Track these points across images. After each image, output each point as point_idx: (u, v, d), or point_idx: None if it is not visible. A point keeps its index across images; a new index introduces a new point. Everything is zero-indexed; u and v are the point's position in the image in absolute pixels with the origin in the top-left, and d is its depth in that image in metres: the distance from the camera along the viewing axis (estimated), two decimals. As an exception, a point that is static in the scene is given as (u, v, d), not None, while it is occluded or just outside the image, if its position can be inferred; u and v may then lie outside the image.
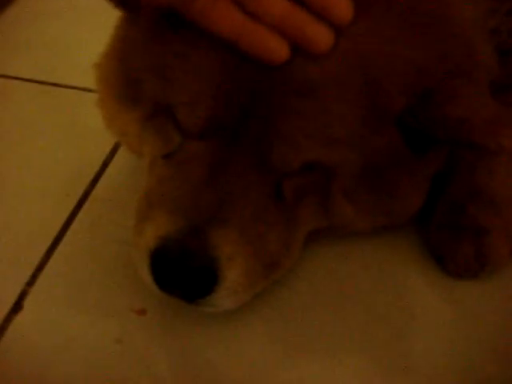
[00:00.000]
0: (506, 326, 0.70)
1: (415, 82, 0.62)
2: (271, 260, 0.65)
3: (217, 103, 0.60)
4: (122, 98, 0.70)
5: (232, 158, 0.61)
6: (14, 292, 0.72)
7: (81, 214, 0.80)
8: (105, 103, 0.74)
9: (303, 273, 0.73)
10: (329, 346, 0.68)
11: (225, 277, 0.60)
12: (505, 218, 0.73)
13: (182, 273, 0.59)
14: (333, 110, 0.59)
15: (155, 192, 0.64)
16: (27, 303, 0.71)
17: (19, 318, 0.70)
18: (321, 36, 0.59)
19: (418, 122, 0.63)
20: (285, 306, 0.71)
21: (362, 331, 0.69)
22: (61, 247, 0.76)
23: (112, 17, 0.70)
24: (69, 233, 0.78)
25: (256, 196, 0.61)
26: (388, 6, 0.62)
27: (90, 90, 0.84)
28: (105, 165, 0.86)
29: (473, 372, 0.66)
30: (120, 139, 0.79)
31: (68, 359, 0.67)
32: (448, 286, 0.73)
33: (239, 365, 0.67)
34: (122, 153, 0.87)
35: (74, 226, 0.79)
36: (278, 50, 0.59)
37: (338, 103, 0.60)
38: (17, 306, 0.71)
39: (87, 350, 0.67)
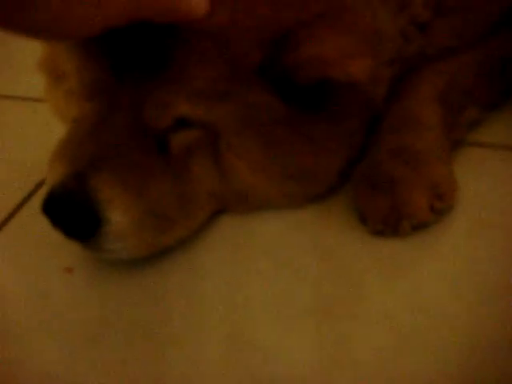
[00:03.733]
0: (431, 283, 0.68)
1: (268, 34, 0.68)
2: (162, 212, 0.71)
3: (97, 72, 0.70)
4: (55, 79, 0.81)
5: (112, 117, 0.70)
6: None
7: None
8: (48, 91, 0.84)
9: (224, 232, 0.77)
10: (244, 302, 0.69)
11: (108, 219, 0.67)
12: (422, 172, 0.73)
13: (65, 211, 0.67)
14: (191, 70, 0.68)
15: (57, 147, 0.74)
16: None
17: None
18: None
19: (279, 70, 0.68)
20: (200, 261, 0.74)
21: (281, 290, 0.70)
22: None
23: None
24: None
25: (135, 148, 0.70)
26: None
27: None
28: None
29: (401, 327, 0.65)
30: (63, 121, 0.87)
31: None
32: (377, 245, 0.72)
33: (163, 321, 0.68)
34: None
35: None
36: None
37: (195, 64, 0.68)
38: None
39: (13, 301, 0.73)
